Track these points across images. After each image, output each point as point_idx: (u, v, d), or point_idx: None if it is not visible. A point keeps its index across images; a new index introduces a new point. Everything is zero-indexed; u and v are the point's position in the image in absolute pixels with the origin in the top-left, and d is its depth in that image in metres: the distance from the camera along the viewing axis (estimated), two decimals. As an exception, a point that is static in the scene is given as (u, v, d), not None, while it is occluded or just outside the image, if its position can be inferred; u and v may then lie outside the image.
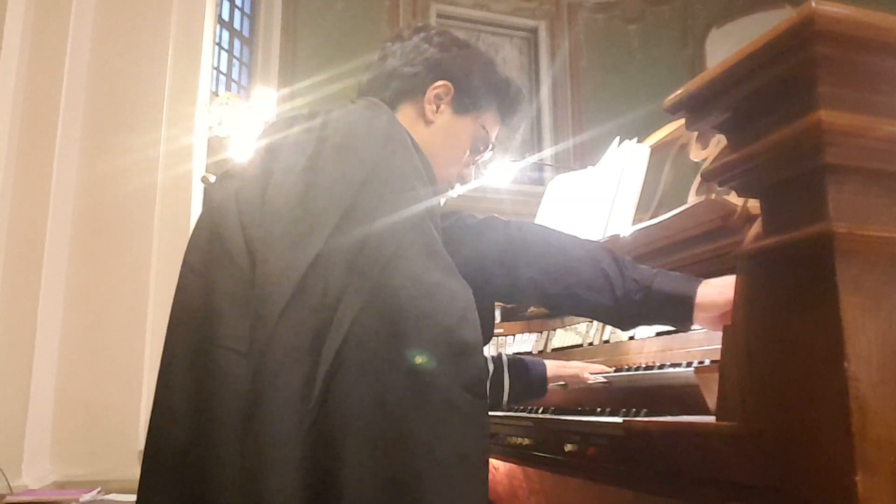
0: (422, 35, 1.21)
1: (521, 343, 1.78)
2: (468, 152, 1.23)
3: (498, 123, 1.26)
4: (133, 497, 0.94)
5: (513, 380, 1.24)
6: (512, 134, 1.31)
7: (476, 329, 0.85)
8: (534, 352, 1.72)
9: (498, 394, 1.26)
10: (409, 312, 0.80)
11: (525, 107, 1.29)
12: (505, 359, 1.31)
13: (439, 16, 8.04)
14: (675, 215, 1.32)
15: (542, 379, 1.32)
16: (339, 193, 0.89)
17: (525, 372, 1.30)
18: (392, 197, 0.90)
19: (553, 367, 1.36)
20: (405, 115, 1.16)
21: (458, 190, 1.26)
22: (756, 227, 0.84)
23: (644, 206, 1.59)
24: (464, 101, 1.19)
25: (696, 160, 1.45)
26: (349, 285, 0.81)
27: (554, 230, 1.12)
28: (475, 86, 1.20)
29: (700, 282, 1.04)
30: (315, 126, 0.97)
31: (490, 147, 1.25)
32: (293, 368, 0.79)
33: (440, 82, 1.17)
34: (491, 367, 1.17)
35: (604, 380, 1.30)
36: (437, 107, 1.18)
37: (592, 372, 1.34)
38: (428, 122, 1.17)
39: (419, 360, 0.77)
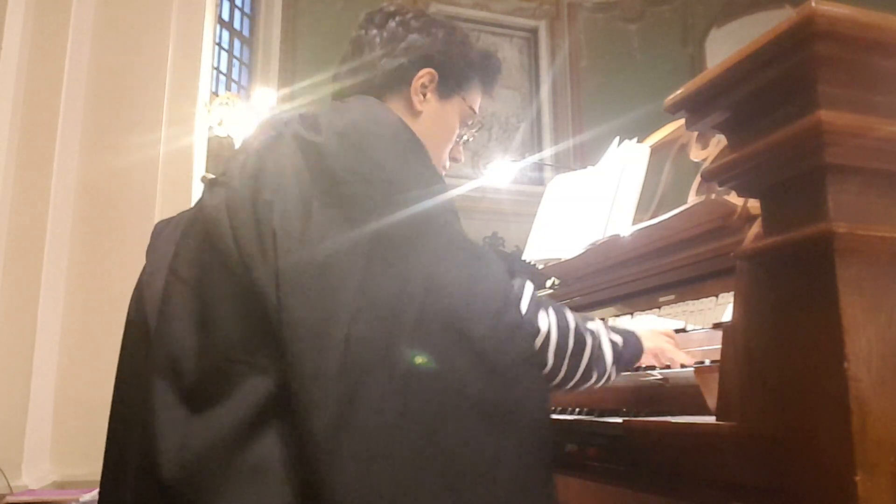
0: (398, 20, 1.17)
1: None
2: (457, 132, 1.22)
3: (480, 96, 1.24)
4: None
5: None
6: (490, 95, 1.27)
7: (516, 304, 0.92)
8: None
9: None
10: (463, 310, 0.86)
11: (502, 73, 1.29)
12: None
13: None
14: (675, 215, 1.32)
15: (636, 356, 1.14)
16: (370, 196, 0.88)
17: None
18: (419, 198, 0.91)
19: (649, 338, 1.15)
20: (394, 109, 1.12)
21: (459, 190, 1.26)
22: (756, 227, 0.84)
23: (644, 206, 1.59)
24: (448, 85, 1.17)
25: (696, 160, 1.45)
26: (403, 290, 0.84)
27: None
28: (457, 67, 1.18)
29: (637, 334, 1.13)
30: (310, 127, 0.94)
31: (477, 123, 1.24)
32: (378, 373, 0.81)
33: (424, 70, 1.14)
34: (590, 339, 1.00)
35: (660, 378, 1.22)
36: (424, 95, 1.15)
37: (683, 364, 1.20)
38: (417, 113, 1.14)
39: (478, 347, 0.86)
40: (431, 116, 1.16)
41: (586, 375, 1.01)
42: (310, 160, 0.90)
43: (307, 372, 0.80)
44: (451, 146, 1.22)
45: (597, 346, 1.02)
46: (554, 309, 0.97)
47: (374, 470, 0.78)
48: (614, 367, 1.05)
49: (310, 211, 0.86)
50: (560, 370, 0.97)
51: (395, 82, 1.13)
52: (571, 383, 1.00)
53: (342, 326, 0.81)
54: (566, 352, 0.96)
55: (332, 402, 0.79)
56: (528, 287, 0.96)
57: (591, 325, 1.04)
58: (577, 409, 1.29)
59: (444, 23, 1.21)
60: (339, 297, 0.82)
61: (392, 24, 1.16)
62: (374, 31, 1.16)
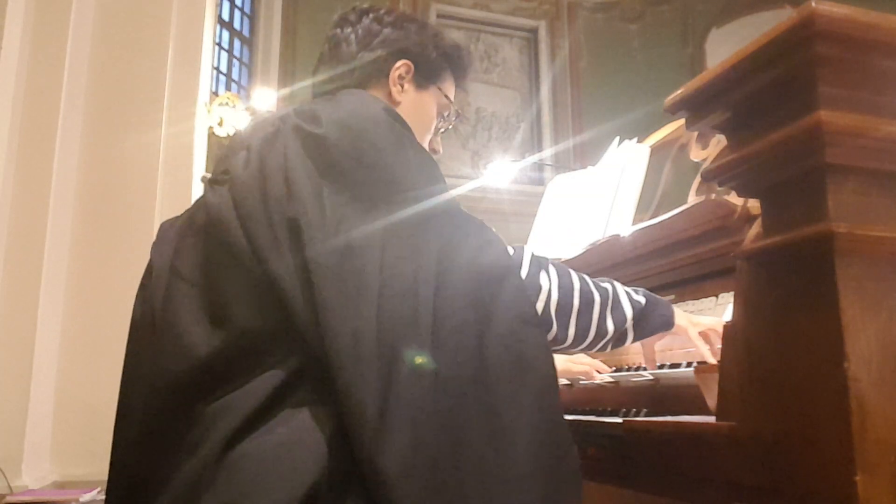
0: (371, 16, 1.21)
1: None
2: (435, 123, 1.26)
3: (454, 87, 1.29)
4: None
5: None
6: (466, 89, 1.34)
7: (517, 270, 0.95)
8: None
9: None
10: (472, 279, 0.90)
11: (474, 66, 1.34)
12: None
13: (439, 16, 8.04)
14: (675, 215, 1.32)
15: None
16: (376, 182, 0.92)
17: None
18: (422, 180, 0.95)
19: (561, 361, 1.31)
20: None
21: (458, 190, 1.28)
22: (756, 227, 0.84)
23: (644, 206, 1.59)
24: (424, 76, 1.21)
25: (696, 160, 1.45)
26: (419, 265, 0.88)
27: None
28: (431, 58, 1.22)
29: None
30: (309, 120, 0.95)
31: (454, 113, 1.28)
32: (409, 342, 0.83)
33: (400, 62, 1.18)
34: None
35: (611, 379, 1.30)
36: (402, 86, 1.19)
37: (600, 371, 1.34)
38: (396, 104, 1.18)
39: (487, 311, 0.89)
40: (410, 106, 1.20)
41: (601, 331, 1.03)
42: (312, 152, 0.92)
43: (345, 349, 0.82)
44: (430, 136, 1.26)
45: (610, 300, 1.04)
46: (557, 269, 1.00)
47: (419, 436, 0.80)
48: (633, 324, 1.07)
49: (322, 202, 0.89)
50: (567, 329, 1.00)
51: (373, 75, 1.17)
52: (586, 341, 1.02)
53: (372, 303, 0.84)
54: (571, 310, 0.99)
55: (374, 376, 0.81)
56: (527, 251, 1.00)
57: (606, 283, 1.06)
58: (578, 409, 1.29)
59: (415, 18, 1.27)
60: (363, 277, 0.85)
61: (366, 20, 1.21)
62: (350, 29, 1.20)
